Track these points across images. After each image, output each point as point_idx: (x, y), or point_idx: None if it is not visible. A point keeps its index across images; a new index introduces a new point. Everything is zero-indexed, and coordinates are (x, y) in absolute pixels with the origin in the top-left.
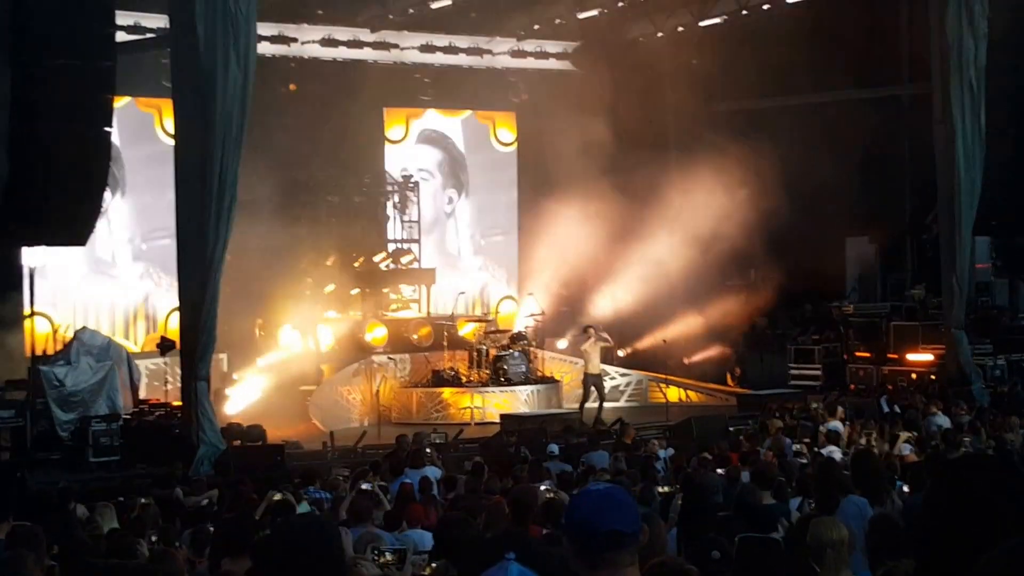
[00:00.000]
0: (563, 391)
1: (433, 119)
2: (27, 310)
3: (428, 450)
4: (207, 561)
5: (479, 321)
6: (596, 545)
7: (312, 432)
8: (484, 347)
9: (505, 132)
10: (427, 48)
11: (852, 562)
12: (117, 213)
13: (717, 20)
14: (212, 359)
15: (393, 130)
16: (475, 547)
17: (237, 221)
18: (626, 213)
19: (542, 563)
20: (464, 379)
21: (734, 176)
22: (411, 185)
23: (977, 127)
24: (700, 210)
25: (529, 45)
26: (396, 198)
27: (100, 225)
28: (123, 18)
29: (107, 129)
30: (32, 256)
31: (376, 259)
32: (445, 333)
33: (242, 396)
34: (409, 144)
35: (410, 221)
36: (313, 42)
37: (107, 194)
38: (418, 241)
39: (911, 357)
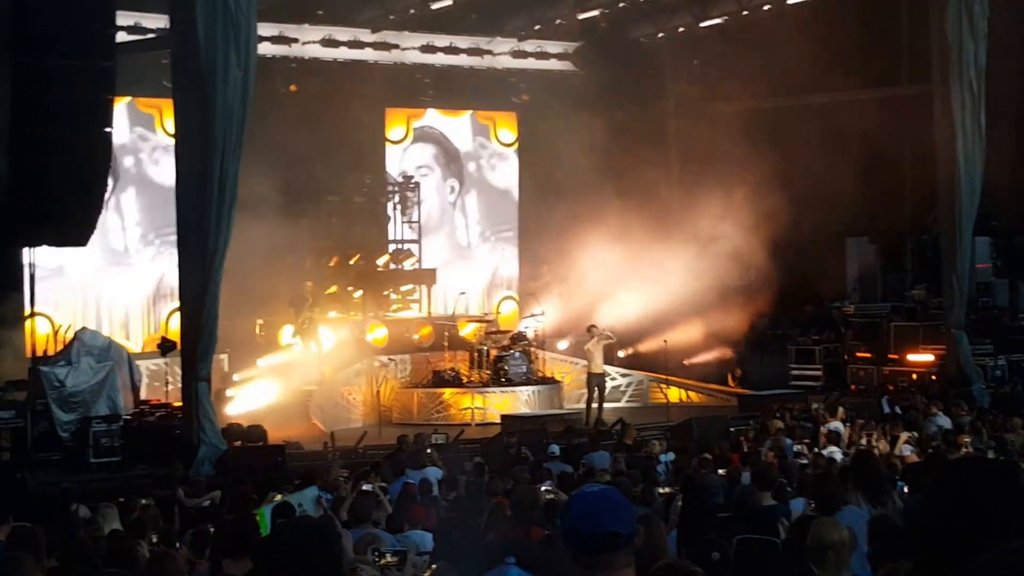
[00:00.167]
0: (564, 392)
1: (434, 119)
2: (27, 310)
3: (429, 451)
4: (208, 562)
5: (480, 321)
6: (592, 547)
7: (313, 432)
8: (485, 347)
9: (506, 132)
10: (428, 48)
11: (852, 563)
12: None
13: (718, 20)
14: (213, 360)
15: (394, 130)
16: (476, 550)
17: (238, 221)
18: (627, 214)
19: (542, 567)
20: (465, 379)
21: (734, 176)
22: (412, 185)
23: (977, 127)
24: (700, 210)
25: (530, 45)
26: (397, 199)
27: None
28: (123, 18)
29: (108, 129)
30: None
31: (377, 260)
32: (446, 333)
33: (249, 400)
34: (405, 146)
35: (411, 221)
36: (314, 42)
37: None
38: (418, 242)
39: (912, 357)
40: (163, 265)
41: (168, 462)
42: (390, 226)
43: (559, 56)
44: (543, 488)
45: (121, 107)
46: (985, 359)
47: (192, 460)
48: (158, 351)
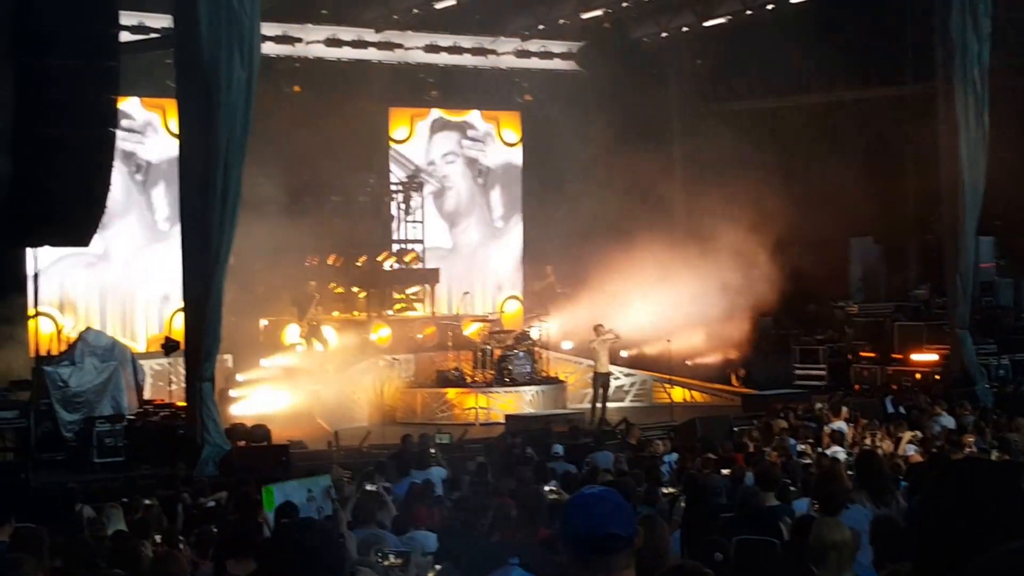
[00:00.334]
0: (568, 391)
1: (438, 119)
2: (31, 310)
3: (433, 450)
4: (211, 563)
5: (484, 321)
6: (591, 549)
7: (317, 432)
8: (489, 347)
9: (510, 132)
10: (432, 48)
11: (856, 564)
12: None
13: (721, 20)
14: (217, 359)
15: (398, 130)
16: (480, 550)
17: (241, 221)
18: (630, 213)
19: (545, 568)
20: (469, 379)
21: (738, 176)
22: (415, 185)
23: (981, 126)
24: (704, 210)
25: (533, 45)
26: (401, 198)
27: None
28: (127, 18)
29: (111, 129)
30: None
31: (380, 259)
32: (450, 333)
33: (258, 404)
34: (423, 138)
35: (414, 221)
36: (317, 42)
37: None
38: (422, 241)
39: (915, 357)
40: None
41: (172, 462)
42: (394, 225)
43: (563, 56)
44: (547, 488)
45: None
46: (989, 359)
47: (196, 460)
48: (162, 351)
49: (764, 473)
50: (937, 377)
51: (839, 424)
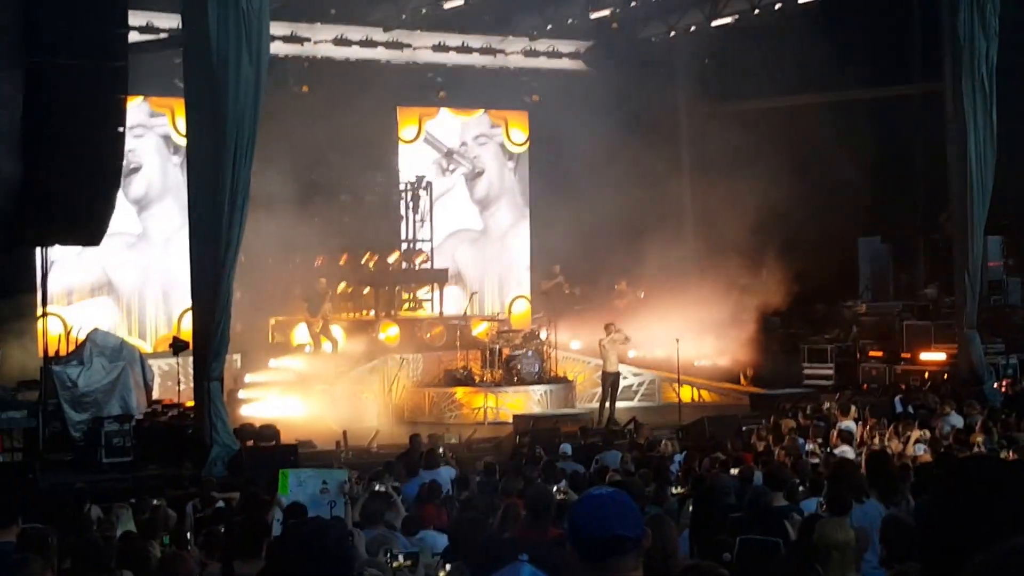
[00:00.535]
0: (577, 391)
1: (446, 119)
2: (40, 310)
3: (441, 450)
4: (219, 563)
5: (492, 320)
6: (599, 550)
7: (325, 431)
8: (497, 346)
9: (517, 132)
10: (440, 48)
11: (865, 564)
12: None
13: (729, 19)
14: (225, 359)
15: (406, 130)
16: (490, 549)
17: (250, 221)
18: (638, 213)
19: (555, 565)
20: (477, 379)
21: (746, 175)
22: (424, 185)
23: (989, 125)
24: (712, 210)
25: (542, 45)
26: (409, 197)
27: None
28: (135, 18)
29: (120, 129)
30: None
31: (389, 259)
32: (458, 332)
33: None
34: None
35: (423, 220)
36: (326, 41)
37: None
38: (430, 240)
39: (924, 356)
40: None
41: (180, 462)
42: (402, 225)
43: (571, 55)
44: (555, 488)
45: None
46: (997, 358)
47: (204, 460)
48: (170, 351)
49: (772, 473)
50: (945, 376)
51: (848, 423)
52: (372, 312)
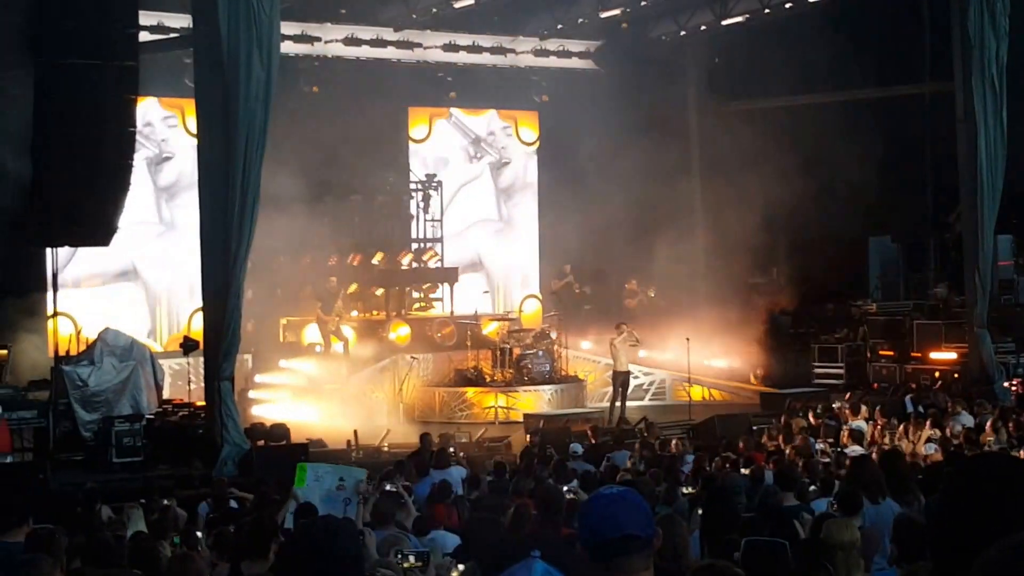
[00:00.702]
0: (587, 390)
1: (457, 118)
2: (50, 310)
3: (452, 449)
4: (228, 563)
5: (502, 320)
6: (609, 550)
7: (335, 430)
8: (508, 346)
9: (527, 131)
10: (450, 47)
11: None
12: None
13: (739, 19)
14: (236, 359)
15: (416, 129)
16: (502, 548)
17: (261, 220)
18: (648, 212)
19: (568, 562)
20: (488, 378)
21: (756, 174)
22: (434, 184)
23: (999, 125)
24: (722, 209)
25: (552, 44)
26: (420, 197)
27: None
28: (146, 18)
29: (131, 129)
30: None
31: (400, 258)
32: (468, 332)
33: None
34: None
35: (433, 220)
36: (336, 41)
37: None
38: (441, 240)
39: (934, 356)
40: None
41: (190, 462)
42: (413, 224)
43: (581, 55)
44: (565, 488)
45: None
46: (1007, 357)
47: (215, 460)
48: (180, 350)
49: (784, 473)
50: (956, 376)
51: (858, 423)
52: (383, 312)
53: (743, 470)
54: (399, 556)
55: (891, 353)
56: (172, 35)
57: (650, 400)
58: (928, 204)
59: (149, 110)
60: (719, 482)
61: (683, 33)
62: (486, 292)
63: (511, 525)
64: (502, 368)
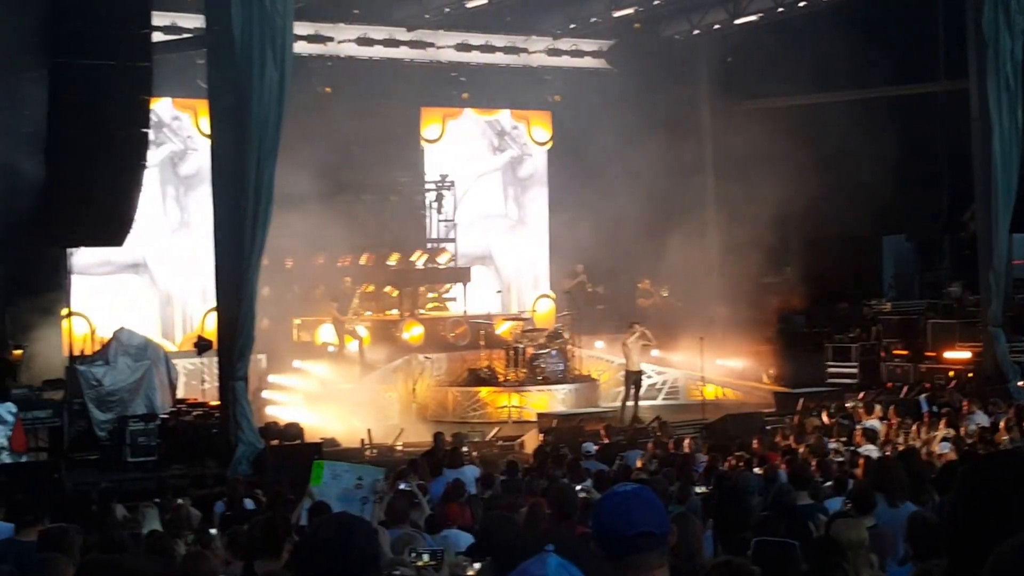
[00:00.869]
0: (600, 390)
1: (469, 118)
2: (65, 310)
3: (465, 448)
4: (241, 562)
5: (516, 320)
6: (624, 547)
7: (349, 430)
8: (521, 346)
9: (540, 131)
10: (463, 47)
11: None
12: None
13: (753, 17)
14: (250, 359)
15: (429, 129)
16: (518, 545)
17: (274, 220)
18: (661, 212)
19: (582, 557)
20: (501, 378)
21: (769, 173)
22: (447, 184)
23: (1014, 124)
24: (735, 208)
25: (565, 43)
26: (433, 197)
27: None
28: (159, 18)
29: (144, 130)
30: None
31: (413, 258)
32: (482, 332)
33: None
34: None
35: (446, 220)
36: (349, 41)
37: None
38: (454, 240)
39: (948, 355)
40: None
41: (205, 461)
42: (426, 224)
43: (594, 54)
44: (579, 488)
45: None
46: (1022, 356)
47: (229, 459)
48: (195, 350)
49: (797, 472)
50: (970, 375)
51: (872, 422)
52: (396, 312)
53: (756, 469)
54: (413, 554)
55: (905, 352)
56: (186, 35)
57: (663, 399)
58: (942, 203)
59: (163, 112)
60: (732, 481)
61: (696, 32)
62: (499, 292)
63: (525, 523)
64: (515, 368)
